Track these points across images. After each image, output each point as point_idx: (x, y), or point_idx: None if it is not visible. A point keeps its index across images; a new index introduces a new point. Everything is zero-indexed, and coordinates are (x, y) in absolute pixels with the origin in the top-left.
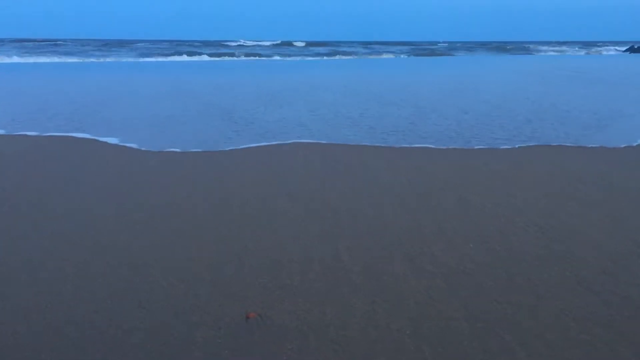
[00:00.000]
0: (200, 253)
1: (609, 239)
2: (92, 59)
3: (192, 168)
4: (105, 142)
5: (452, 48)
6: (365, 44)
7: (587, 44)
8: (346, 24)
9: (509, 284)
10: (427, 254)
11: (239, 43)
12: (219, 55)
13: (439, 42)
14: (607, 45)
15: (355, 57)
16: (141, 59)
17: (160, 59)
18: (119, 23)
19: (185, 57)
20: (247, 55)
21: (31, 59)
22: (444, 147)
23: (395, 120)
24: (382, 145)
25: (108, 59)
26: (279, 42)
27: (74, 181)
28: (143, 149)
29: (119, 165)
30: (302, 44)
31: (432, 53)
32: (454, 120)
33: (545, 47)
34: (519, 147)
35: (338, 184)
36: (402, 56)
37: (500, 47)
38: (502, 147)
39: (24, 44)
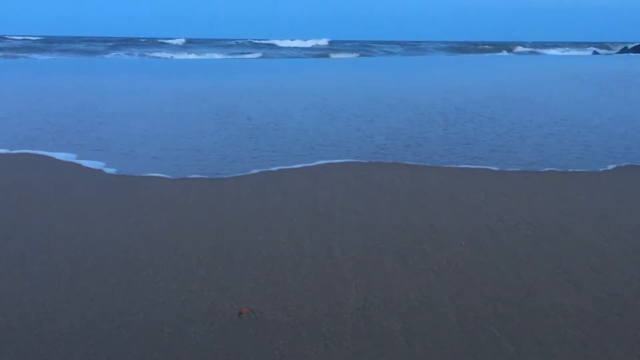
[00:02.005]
0: (193, 249)
1: (598, 237)
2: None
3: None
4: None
5: (437, 48)
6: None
7: (570, 45)
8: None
9: (499, 281)
10: (418, 251)
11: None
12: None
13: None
14: (589, 47)
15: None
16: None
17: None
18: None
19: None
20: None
21: None
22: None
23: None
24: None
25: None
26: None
27: (68, 181)
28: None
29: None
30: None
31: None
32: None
33: (525, 48)
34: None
35: (331, 183)
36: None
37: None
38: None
39: None
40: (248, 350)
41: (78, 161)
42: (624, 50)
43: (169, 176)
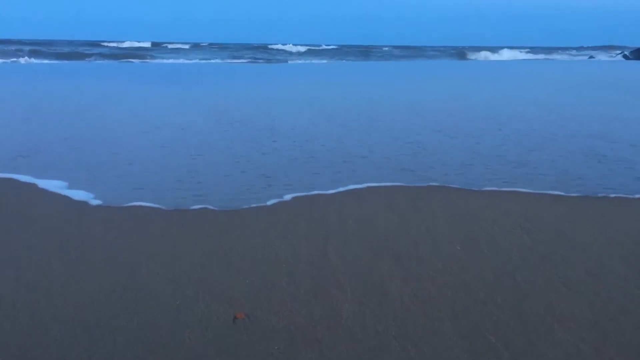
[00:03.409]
0: (188, 253)
1: (594, 241)
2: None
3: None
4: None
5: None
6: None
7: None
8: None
9: (495, 285)
10: (414, 256)
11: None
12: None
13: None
14: (581, 51)
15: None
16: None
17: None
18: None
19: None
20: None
21: None
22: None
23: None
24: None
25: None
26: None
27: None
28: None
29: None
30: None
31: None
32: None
33: (514, 53)
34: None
35: (327, 187)
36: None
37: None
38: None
39: None
40: (242, 356)
41: (67, 191)
42: (624, 56)
43: (163, 206)
